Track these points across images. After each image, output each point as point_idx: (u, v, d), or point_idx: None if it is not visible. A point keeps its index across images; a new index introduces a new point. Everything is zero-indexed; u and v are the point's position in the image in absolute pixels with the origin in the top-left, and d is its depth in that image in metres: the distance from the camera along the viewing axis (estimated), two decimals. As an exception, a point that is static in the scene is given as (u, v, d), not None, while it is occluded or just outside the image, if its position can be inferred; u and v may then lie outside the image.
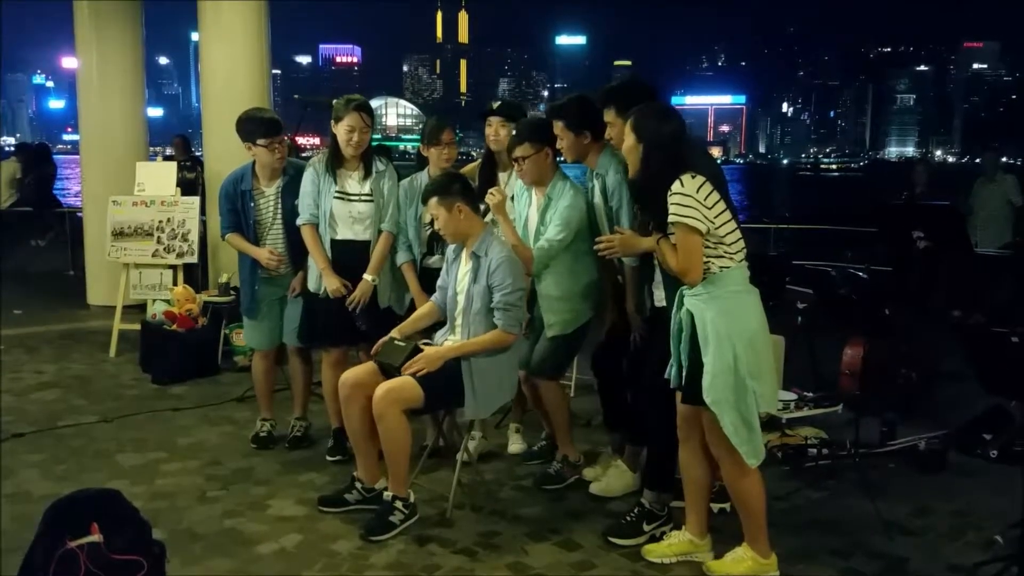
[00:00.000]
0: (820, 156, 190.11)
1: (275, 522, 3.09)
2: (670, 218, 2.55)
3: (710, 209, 2.54)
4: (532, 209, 3.38)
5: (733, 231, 2.58)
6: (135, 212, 5.63)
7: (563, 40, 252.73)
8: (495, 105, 3.71)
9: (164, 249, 5.57)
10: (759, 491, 2.64)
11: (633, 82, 3.23)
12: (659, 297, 2.95)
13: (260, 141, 3.62)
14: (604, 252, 3.05)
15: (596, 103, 3.14)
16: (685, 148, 2.66)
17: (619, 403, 3.38)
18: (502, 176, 3.64)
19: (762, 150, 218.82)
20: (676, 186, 2.55)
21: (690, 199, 2.52)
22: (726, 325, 2.53)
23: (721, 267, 2.57)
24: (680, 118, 2.73)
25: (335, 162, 3.52)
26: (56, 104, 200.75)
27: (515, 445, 3.78)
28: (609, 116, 3.06)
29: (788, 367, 4.10)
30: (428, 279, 3.56)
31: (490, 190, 3.34)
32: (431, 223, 3.29)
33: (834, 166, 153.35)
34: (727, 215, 2.58)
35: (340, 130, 3.45)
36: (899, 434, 3.89)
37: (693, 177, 2.56)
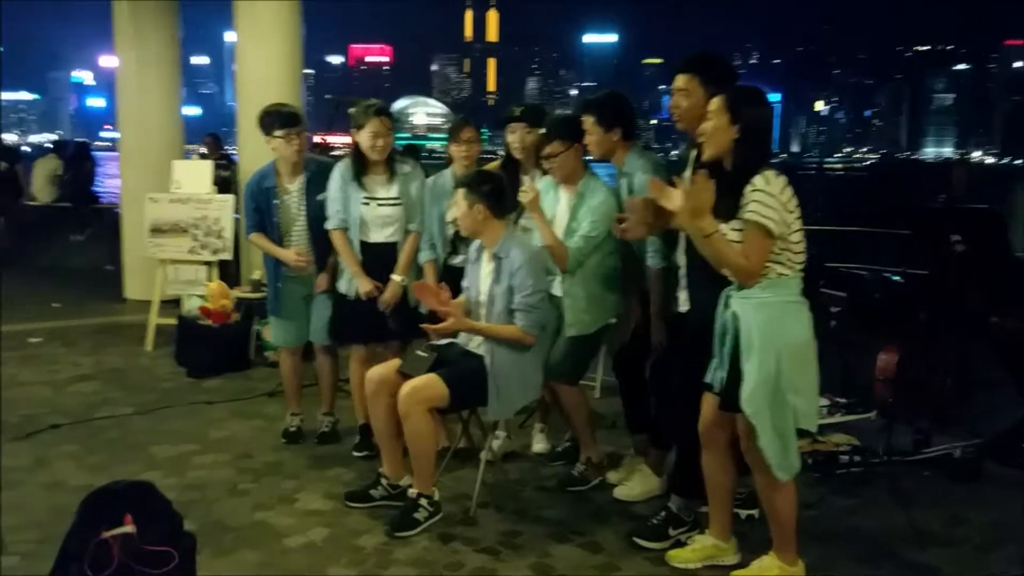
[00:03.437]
0: (824, 156, 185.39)
1: (303, 516, 3.13)
2: (748, 215, 2.39)
3: (790, 213, 2.43)
4: (561, 207, 3.34)
5: (801, 240, 2.47)
6: (172, 209, 5.73)
7: (593, 38, 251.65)
8: (517, 111, 3.59)
9: (200, 246, 5.66)
10: (792, 500, 2.59)
11: (717, 54, 2.99)
12: (682, 300, 2.91)
13: (277, 132, 3.64)
14: (624, 228, 2.93)
15: (676, 69, 2.90)
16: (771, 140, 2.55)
17: (641, 406, 3.36)
18: (525, 180, 3.62)
19: (795, 149, 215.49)
20: (760, 182, 2.40)
21: (774, 199, 2.39)
22: (773, 334, 2.43)
23: (780, 273, 2.46)
24: (771, 106, 2.59)
25: (360, 168, 3.54)
26: (95, 102, 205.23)
27: (539, 445, 3.78)
28: (689, 83, 2.82)
29: (820, 372, 4.03)
30: (452, 278, 3.57)
31: (523, 187, 3.28)
32: (455, 222, 3.29)
33: (839, 166, 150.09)
34: (800, 222, 2.46)
35: (363, 137, 3.47)
36: (933, 442, 3.80)
37: (777, 175, 2.43)
